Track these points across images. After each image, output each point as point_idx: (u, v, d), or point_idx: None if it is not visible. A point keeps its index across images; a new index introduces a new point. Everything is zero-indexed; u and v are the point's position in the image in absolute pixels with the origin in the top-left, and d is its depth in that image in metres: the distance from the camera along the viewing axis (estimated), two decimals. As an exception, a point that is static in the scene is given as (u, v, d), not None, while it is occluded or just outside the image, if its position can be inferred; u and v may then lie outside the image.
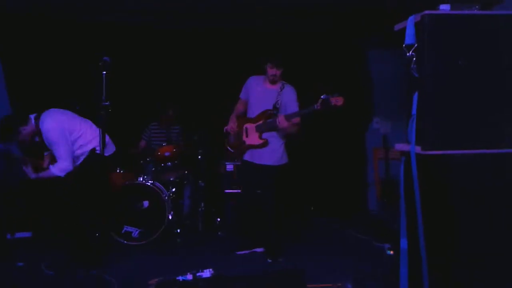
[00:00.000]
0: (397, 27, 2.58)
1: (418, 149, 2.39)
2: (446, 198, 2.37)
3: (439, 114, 2.36)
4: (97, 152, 3.95)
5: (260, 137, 4.34)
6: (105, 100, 3.15)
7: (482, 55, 2.38)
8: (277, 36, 5.70)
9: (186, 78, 5.87)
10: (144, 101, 5.77)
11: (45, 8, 5.13)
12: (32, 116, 3.96)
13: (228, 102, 4.75)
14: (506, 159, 2.37)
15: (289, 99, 4.33)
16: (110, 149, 4.22)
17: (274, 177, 4.37)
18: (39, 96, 5.48)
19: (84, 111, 4.75)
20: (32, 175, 4.01)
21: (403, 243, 2.47)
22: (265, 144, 4.32)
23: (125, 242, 4.71)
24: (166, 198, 4.90)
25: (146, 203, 4.79)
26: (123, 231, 4.73)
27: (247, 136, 4.42)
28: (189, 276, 3.51)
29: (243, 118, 4.52)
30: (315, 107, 3.95)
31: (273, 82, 4.35)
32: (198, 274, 3.55)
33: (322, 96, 3.90)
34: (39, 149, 4.06)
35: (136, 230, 4.74)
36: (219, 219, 5.39)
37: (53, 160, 4.00)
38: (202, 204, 5.30)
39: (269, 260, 4.30)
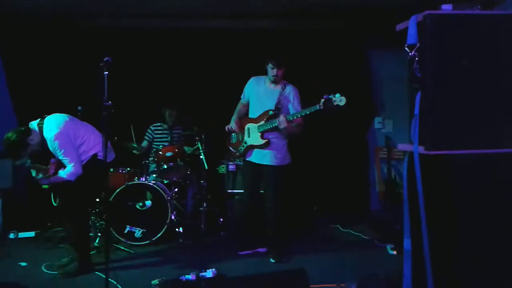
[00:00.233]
0: (399, 27, 2.57)
1: (421, 149, 2.39)
2: (449, 198, 2.37)
3: (441, 114, 2.35)
4: (99, 157, 3.95)
5: (262, 137, 4.33)
6: (106, 101, 3.14)
7: (485, 55, 2.37)
8: (278, 36, 5.70)
9: (186, 79, 5.87)
10: (144, 101, 5.78)
11: (45, 11, 5.14)
12: (35, 123, 3.90)
13: (229, 102, 4.75)
14: (508, 160, 2.37)
15: (292, 99, 4.33)
16: (110, 156, 4.21)
17: (277, 178, 4.36)
18: (41, 97, 5.51)
19: (86, 112, 4.79)
20: (44, 181, 3.99)
21: (407, 243, 2.46)
22: (267, 144, 4.32)
23: (128, 242, 4.72)
24: (169, 198, 4.91)
25: (148, 203, 4.80)
26: (126, 231, 4.74)
27: (249, 136, 4.43)
28: (192, 276, 3.53)
29: (245, 118, 4.53)
30: (318, 107, 3.93)
31: (274, 82, 4.35)
32: (201, 274, 3.57)
33: (324, 96, 3.89)
34: (47, 156, 4.02)
35: (139, 230, 4.74)
36: (222, 219, 5.40)
37: (59, 166, 3.98)
38: (205, 204, 5.31)
39: (272, 260, 4.31)
